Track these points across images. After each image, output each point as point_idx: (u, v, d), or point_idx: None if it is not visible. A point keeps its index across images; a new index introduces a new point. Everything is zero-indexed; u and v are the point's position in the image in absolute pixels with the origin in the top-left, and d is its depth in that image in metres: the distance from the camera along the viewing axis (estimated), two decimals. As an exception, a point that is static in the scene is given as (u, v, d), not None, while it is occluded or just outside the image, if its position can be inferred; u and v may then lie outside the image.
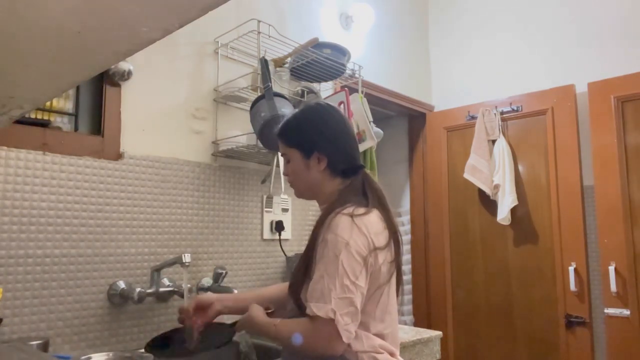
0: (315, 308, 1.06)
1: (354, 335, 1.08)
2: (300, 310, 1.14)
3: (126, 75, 1.73)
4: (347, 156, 1.27)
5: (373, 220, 1.16)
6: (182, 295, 1.77)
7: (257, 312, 1.24)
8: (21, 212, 1.49)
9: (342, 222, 1.11)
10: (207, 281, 1.89)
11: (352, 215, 1.12)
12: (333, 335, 1.05)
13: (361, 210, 1.15)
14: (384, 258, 1.15)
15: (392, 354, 1.17)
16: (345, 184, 1.25)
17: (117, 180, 1.71)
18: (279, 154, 1.93)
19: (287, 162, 1.30)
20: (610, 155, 2.38)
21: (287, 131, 1.29)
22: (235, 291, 1.79)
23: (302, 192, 1.31)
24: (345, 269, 1.07)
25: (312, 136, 1.26)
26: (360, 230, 1.11)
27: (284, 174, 1.33)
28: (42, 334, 1.48)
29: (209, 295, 1.39)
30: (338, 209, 1.15)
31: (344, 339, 1.06)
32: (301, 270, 1.16)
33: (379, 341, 1.15)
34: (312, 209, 2.38)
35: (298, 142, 1.26)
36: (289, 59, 2.15)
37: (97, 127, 1.72)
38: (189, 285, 1.63)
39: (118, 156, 1.72)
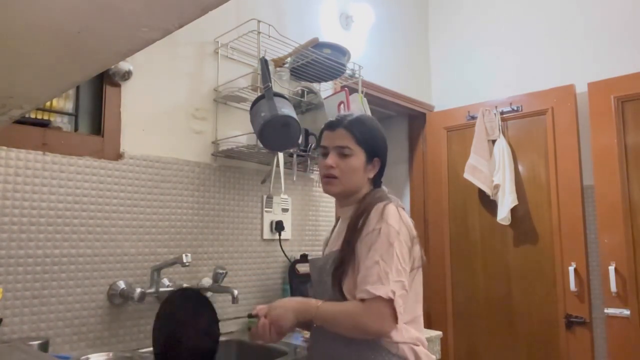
0: (373, 289, 1.11)
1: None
2: (340, 296, 1.21)
3: (126, 75, 1.73)
4: (384, 170, 1.39)
5: (406, 213, 1.27)
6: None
7: (290, 299, 1.27)
8: (21, 212, 1.49)
9: (392, 213, 1.20)
10: (207, 281, 1.89)
11: (397, 206, 1.24)
12: (389, 314, 1.11)
13: (399, 203, 1.28)
14: (418, 247, 1.26)
15: (424, 346, 1.24)
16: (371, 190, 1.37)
17: (117, 180, 1.71)
18: (279, 154, 1.94)
19: (343, 155, 1.31)
20: (610, 155, 2.38)
21: (362, 129, 1.33)
22: (236, 292, 1.79)
23: (344, 189, 1.33)
24: (398, 255, 1.15)
25: (379, 143, 1.36)
26: (403, 221, 1.22)
27: (331, 165, 1.31)
28: (42, 334, 1.48)
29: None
30: (382, 201, 1.24)
31: (398, 321, 1.13)
32: (345, 257, 1.21)
33: (416, 333, 1.23)
34: (312, 209, 2.38)
35: (368, 143, 1.32)
36: (289, 59, 2.15)
37: (97, 127, 1.72)
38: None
39: (118, 156, 1.72)
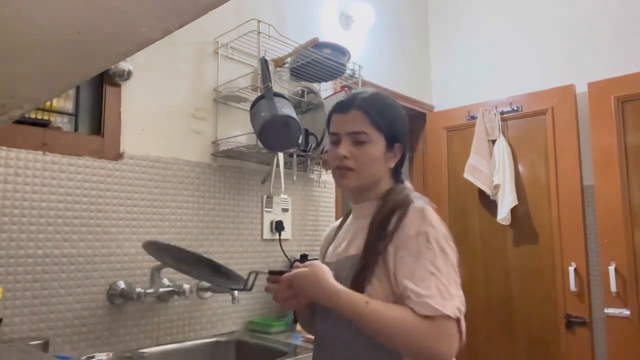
0: (438, 305, 0.91)
1: None
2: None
3: (126, 75, 1.73)
4: (405, 158, 1.17)
5: None
6: (180, 295, 1.77)
7: (328, 276, 1.00)
8: (21, 212, 1.49)
9: (433, 215, 1.03)
10: (207, 281, 1.89)
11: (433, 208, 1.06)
12: (456, 336, 0.93)
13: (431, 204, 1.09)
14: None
15: None
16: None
17: (117, 180, 1.71)
18: (279, 154, 1.94)
19: (358, 142, 1.09)
20: (610, 155, 2.38)
21: (380, 109, 1.11)
22: (236, 292, 1.79)
23: (361, 183, 1.11)
24: (452, 263, 1.00)
25: (400, 125, 1.14)
26: (443, 223, 1.05)
27: (344, 155, 1.09)
28: (42, 334, 1.48)
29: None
30: (417, 201, 1.05)
31: (462, 342, 0.94)
32: (370, 264, 1.01)
33: None
34: (312, 209, 2.38)
35: (388, 126, 1.10)
36: (289, 59, 2.15)
37: (97, 127, 1.72)
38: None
39: (118, 156, 1.72)
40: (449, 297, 0.93)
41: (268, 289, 1.04)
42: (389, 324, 0.93)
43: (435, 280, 0.94)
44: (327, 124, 1.18)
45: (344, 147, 1.09)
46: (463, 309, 0.94)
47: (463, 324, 0.94)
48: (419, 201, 1.05)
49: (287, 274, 1.02)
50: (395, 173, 1.16)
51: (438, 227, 1.00)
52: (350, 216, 1.21)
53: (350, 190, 1.15)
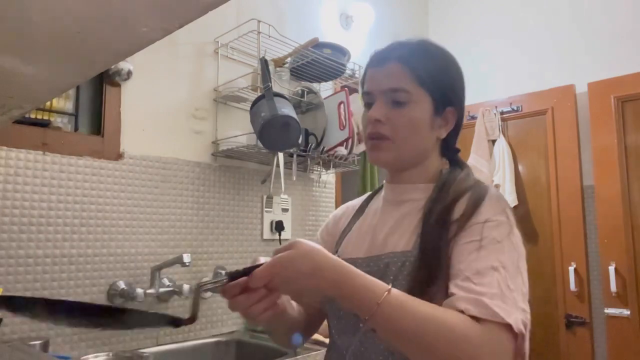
0: (499, 308, 0.66)
1: None
2: None
3: (126, 75, 1.73)
4: (460, 128, 0.91)
5: None
6: (179, 295, 1.76)
7: (326, 252, 0.71)
8: (21, 212, 1.49)
9: (507, 205, 0.82)
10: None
11: None
12: (510, 356, 0.67)
13: None
14: None
15: None
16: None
17: (117, 180, 1.71)
18: (279, 154, 1.94)
19: (397, 103, 0.84)
20: (610, 155, 2.38)
21: (426, 60, 0.87)
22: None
23: (399, 156, 0.86)
24: (523, 268, 0.78)
25: (454, 83, 0.89)
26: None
27: (377, 119, 0.84)
28: (42, 334, 1.48)
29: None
30: (492, 189, 0.84)
31: None
32: (428, 262, 0.76)
33: None
34: (312, 209, 2.38)
35: (437, 83, 0.85)
36: (289, 59, 2.15)
37: (97, 127, 1.72)
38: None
39: (118, 156, 1.72)
40: (511, 305, 0.68)
41: (233, 304, 0.73)
42: (416, 321, 0.65)
43: (498, 277, 0.70)
44: (361, 83, 0.93)
45: (378, 108, 0.84)
46: (529, 326, 0.69)
47: (527, 345, 0.68)
48: (493, 189, 0.84)
49: (261, 268, 0.70)
50: (447, 148, 0.91)
51: (511, 218, 0.80)
52: (380, 200, 0.94)
53: (385, 166, 0.90)
